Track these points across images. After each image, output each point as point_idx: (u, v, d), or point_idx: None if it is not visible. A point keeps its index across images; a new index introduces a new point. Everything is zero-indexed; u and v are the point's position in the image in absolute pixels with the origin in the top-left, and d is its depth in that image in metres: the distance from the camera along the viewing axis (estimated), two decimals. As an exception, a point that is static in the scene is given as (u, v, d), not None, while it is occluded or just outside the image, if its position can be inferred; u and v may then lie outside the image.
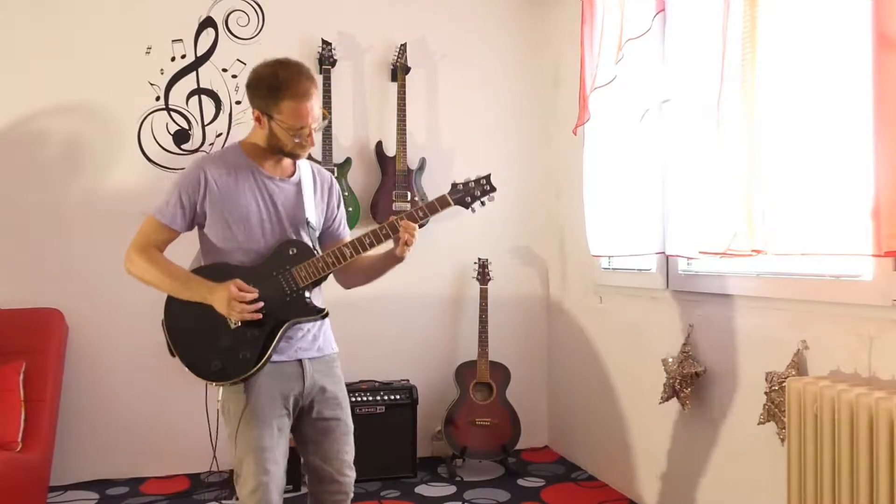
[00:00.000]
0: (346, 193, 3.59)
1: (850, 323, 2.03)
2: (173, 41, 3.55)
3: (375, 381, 3.58)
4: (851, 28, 1.93)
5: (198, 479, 3.43)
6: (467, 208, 2.11)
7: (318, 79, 2.40)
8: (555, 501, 3.17)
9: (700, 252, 2.47)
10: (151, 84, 3.53)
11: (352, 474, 2.08)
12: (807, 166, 2.08)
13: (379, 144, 3.75)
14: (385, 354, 3.78)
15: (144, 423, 3.46)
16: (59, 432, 3.15)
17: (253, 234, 1.98)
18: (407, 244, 2.00)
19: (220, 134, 3.61)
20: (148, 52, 3.52)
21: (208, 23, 3.60)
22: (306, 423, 2.04)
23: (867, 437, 1.77)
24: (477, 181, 2.11)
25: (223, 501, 3.12)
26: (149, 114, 3.53)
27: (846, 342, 2.04)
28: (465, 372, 3.61)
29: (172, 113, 3.56)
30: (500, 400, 3.57)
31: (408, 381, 3.63)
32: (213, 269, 1.97)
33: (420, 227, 2.04)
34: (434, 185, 3.73)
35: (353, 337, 3.64)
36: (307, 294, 1.98)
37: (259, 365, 1.92)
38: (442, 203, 2.06)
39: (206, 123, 3.60)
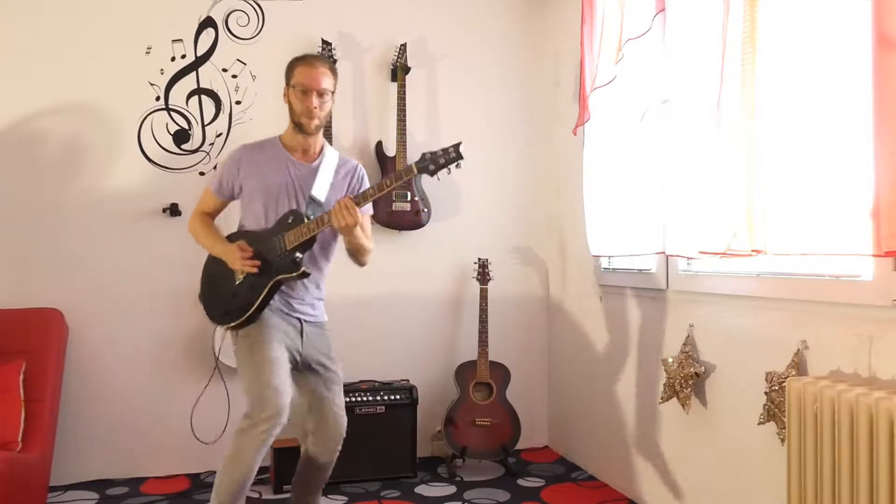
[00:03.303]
0: (346, 193, 3.59)
1: (850, 323, 2.03)
2: (173, 41, 3.55)
3: (375, 381, 3.58)
4: (851, 28, 1.93)
5: (198, 479, 3.44)
6: (432, 176, 2.34)
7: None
8: (555, 501, 3.17)
9: (700, 252, 2.47)
10: (151, 84, 3.53)
11: (345, 416, 2.57)
12: (806, 166, 2.08)
13: (379, 144, 3.75)
14: (385, 354, 3.78)
15: (145, 423, 3.46)
16: (59, 432, 3.14)
17: (270, 204, 2.47)
18: (341, 227, 2.32)
19: (220, 134, 3.61)
20: (148, 52, 3.52)
21: (208, 23, 3.60)
22: (306, 373, 2.51)
23: (867, 437, 1.77)
24: (445, 150, 2.33)
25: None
26: (149, 114, 3.53)
27: (846, 342, 2.04)
28: (465, 372, 3.61)
29: (172, 113, 3.56)
30: (500, 400, 3.57)
31: (408, 381, 3.63)
32: (236, 234, 2.51)
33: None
34: (434, 185, 3.72)
35: (353, 337, 3.65)
36: (296, 255, 2.38)
37: (252, 310, 2.36)
38: (407, 171, 2.33)
39: (206, 123, 3.60)
